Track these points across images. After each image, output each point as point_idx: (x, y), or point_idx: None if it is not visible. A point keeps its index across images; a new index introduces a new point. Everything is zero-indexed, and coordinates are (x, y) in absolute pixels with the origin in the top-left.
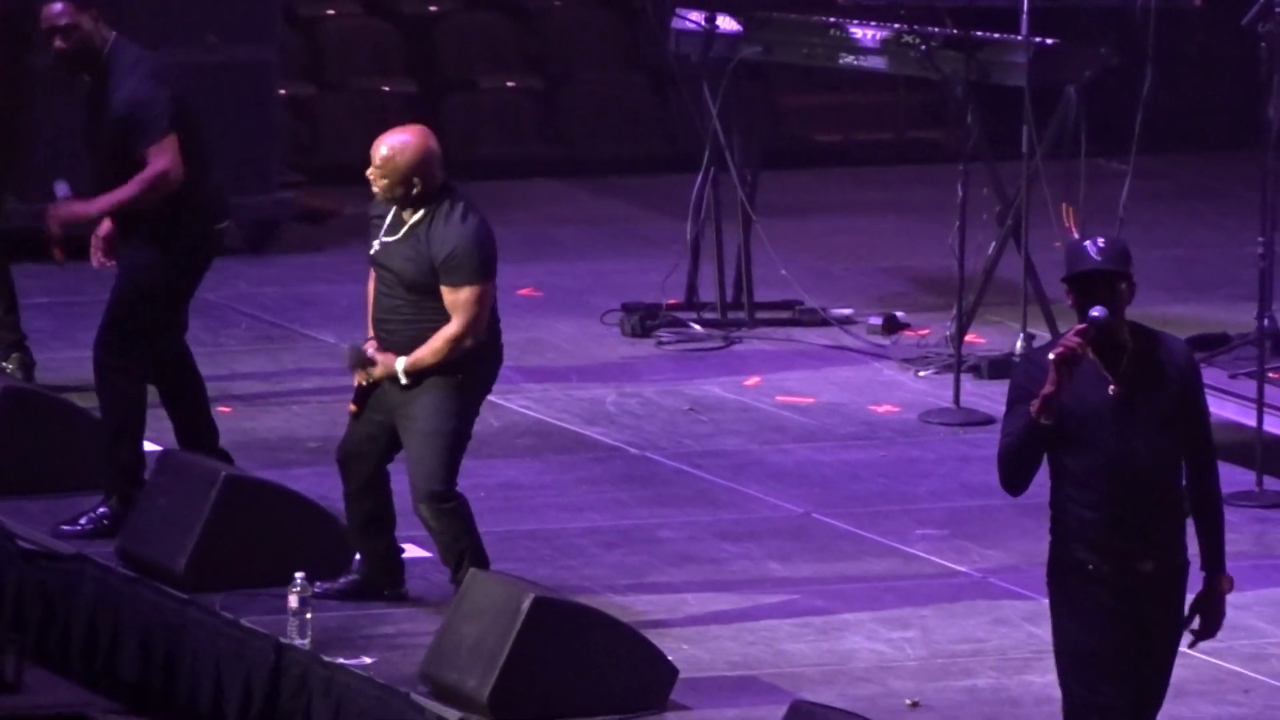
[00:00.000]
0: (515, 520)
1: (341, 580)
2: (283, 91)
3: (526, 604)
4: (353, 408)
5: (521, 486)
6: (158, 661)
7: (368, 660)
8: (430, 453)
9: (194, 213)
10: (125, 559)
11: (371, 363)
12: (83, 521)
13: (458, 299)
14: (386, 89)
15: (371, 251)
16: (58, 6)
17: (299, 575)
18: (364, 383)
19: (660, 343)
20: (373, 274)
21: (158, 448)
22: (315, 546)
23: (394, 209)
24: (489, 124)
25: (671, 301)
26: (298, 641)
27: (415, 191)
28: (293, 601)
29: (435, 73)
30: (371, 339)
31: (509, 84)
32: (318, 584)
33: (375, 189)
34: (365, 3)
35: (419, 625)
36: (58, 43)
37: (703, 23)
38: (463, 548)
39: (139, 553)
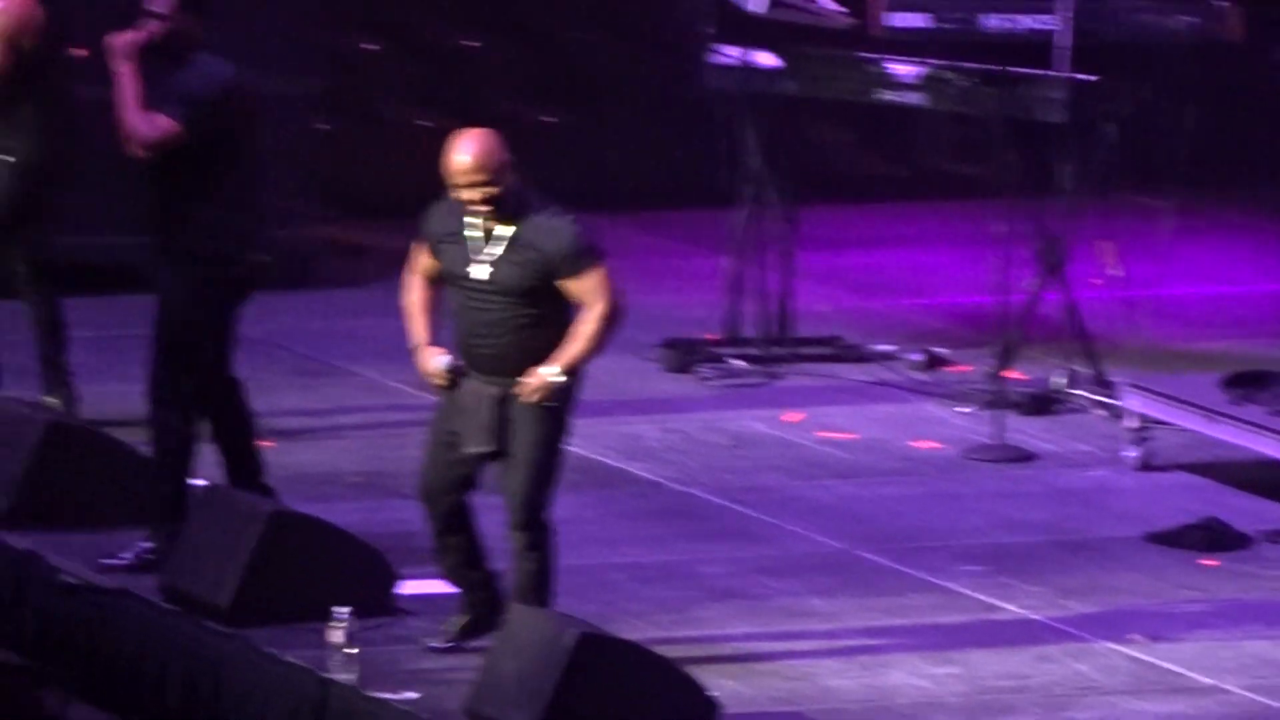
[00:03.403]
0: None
1: (455, 631)
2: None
3: (572, 640)
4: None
5: (563, 521)
6: (202, 696)
7: (412, 695)
8: (530, 484)
9: (226, 234)
10: (168, 594)
11: (460, 372)
12: (126, 556)
13: (586, 285)
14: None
15: (465, 270)
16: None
17: (342, 610)
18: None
19: (702, 378)
20: (418, 285)
21: (202, 482)
22: (359, 581)
23: (465, 227)
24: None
25: (712, 337)
26: (342, 676)
27: (507, 186)
28: (336, 636)
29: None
30: (443, 353)
31: (548, 119)
32: (432, 642)
33: (475, 204)
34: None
35: (463, 660)
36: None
37: (740, 58)
38: (539, 584)
39: (182, 587)
